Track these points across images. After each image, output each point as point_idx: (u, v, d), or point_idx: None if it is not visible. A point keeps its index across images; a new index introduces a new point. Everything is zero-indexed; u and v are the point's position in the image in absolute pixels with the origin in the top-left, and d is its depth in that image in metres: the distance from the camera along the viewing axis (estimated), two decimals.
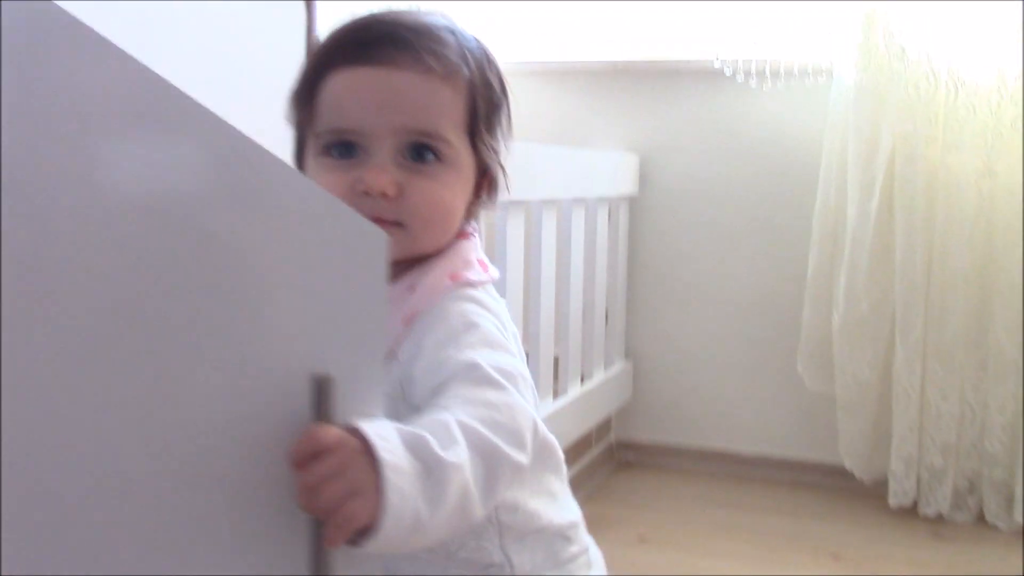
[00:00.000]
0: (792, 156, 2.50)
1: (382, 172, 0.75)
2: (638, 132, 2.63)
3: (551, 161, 2.10)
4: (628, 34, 2.69)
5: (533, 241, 2.05)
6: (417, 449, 0.58)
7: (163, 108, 0.47)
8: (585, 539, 0.87)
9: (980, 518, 2.29)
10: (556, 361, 2.21)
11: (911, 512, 2.31)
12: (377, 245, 0.55)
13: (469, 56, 0.80)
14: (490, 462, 0.62)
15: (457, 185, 0.79)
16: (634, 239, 2.65)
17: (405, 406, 0.71)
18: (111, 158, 0.43)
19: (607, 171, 2.44)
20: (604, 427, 2.61)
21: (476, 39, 0.84)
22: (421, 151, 0.77)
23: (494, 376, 0.67)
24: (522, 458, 0.65)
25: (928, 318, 2.25)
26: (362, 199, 0.74)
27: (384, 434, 0.56)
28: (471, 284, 0.79)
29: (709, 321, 2.61)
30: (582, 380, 2.38)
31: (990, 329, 2.24)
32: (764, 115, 2.52)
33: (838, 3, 2.31)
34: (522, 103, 2.89)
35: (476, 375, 0.67)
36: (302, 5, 1.27)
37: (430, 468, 0.58)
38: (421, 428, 0.60)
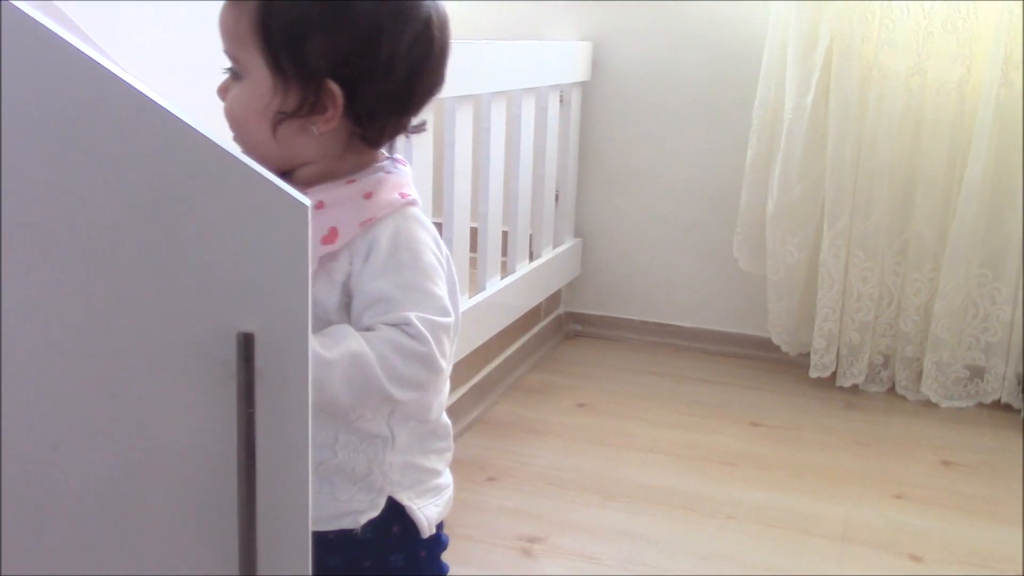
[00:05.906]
0: (737, 48, 2.60)
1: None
2: (592, 19, 2.70)
3: (503, 55, 2.19)
4: None
5: (482, 125, 2.17)
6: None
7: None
8: (449, 456, 1.01)
9: (891, 390, 2.51)
10: (505, 237, 2.37)
11: (829, 383, 2.53)
12: (299, 216, 0.67)
13: None
14: (366, 381, 0.81)
15: (247, 96, 0.88)
16: (586, 123, 2.76)
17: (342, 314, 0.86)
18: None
19: (559, 60, 2.53)
20: (554, 300, 2.79)
21: None
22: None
23: (423, 332, 0.83)
24: (396, 393, 0.82)
25: (855, 207, 2.40)
26: None
27: None
28: (414, 203, 0.91)
29: (654, 203, 2.76)
30: (531, 257, 2.54)
31: (911, 219, 2.40)
32: (713, 8, 2.60)
33: None
34: None
35: (408, 330, 0.83)
36: None
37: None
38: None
